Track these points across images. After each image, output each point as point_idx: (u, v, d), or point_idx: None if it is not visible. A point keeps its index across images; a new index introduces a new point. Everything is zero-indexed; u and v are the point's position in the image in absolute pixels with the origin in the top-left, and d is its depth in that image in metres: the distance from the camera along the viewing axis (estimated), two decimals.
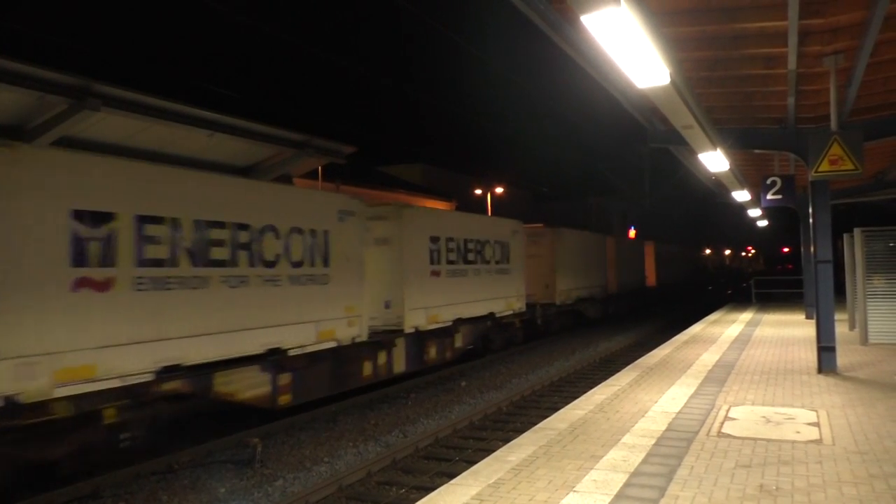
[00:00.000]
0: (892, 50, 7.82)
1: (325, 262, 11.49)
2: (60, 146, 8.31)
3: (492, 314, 17.85)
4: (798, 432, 6.71)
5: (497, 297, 18.16)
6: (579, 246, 25.49)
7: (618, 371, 11.19)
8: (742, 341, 14.45)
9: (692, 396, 8.60)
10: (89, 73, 8.20)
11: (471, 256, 16.83)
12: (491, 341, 18.52)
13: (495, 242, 18.34)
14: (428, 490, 6.61)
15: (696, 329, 17.77)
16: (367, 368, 12.56)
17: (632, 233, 57.45)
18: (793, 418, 7.31)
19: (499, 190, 40.05)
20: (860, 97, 9.31)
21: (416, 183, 39.02)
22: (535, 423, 8.10)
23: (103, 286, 7.76)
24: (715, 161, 11.60)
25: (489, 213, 38.20)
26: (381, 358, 13.04)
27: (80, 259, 7.53)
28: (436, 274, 15.11)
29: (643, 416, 7.57)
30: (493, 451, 6.77)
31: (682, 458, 5.89)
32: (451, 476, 6.79)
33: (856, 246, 12.90)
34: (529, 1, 6.28)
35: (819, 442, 6.35)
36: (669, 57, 6.20)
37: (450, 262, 15.80)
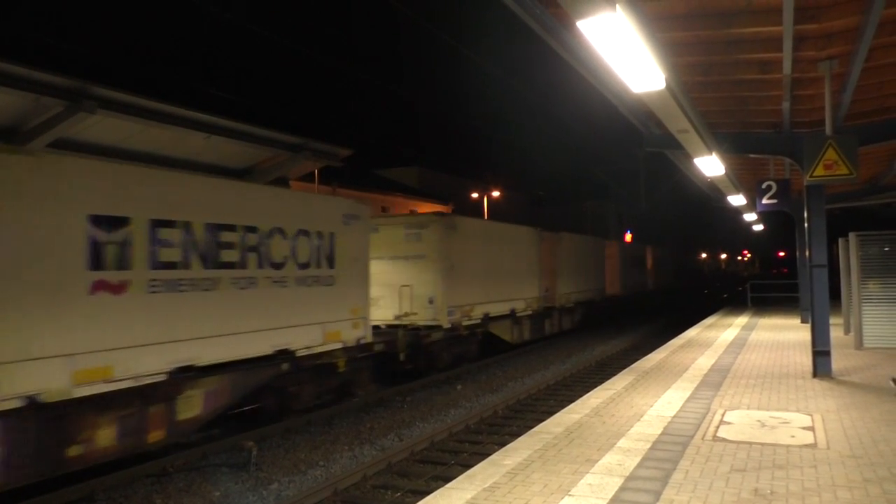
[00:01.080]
0: (886, 55, 7.86)
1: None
2: (59, 149, 8.30)
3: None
4: (793, 436, 6.73)
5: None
6: (489, 243, 18.59)
7: (614, 375, 11.21)
8: (737, 345, 14.48)
9: (688, 400, 8.61)
10: (85, 76, 8.20)
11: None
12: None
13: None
14: (423, 494, 6.60)
15: (691, 333, 17.80)
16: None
17: (628, 236, 57.53)
18: (788, 422, 7.32)
19: (495, 193, 40.07)
20: (855, 102, 9.36)
21: (412, 186, 39.06)
22: (531, 427, 8.11)
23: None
24: (710, 165, 11.64)
25: (485, 217, 38.26)
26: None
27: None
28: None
29: (639, 419, 7.58)
30: (489, 454, 6.77)
31: (678, 462, 5.89)
32: (447, 480, 6.79)
33: (851, 250, 12.95)
34: (526, 6, 6.30)
35: (814, 446, 6.36)
36: (664, 62, 6.22)
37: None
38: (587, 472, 5.66)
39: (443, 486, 5.53)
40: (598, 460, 6.01)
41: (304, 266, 10.95)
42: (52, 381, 7.12)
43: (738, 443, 6.53)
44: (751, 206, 20.12)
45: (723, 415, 7.75)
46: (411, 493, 7.85)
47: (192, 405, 8.93)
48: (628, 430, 7.12)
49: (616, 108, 10.12)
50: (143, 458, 8.83)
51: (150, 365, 8.21)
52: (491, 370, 17.15)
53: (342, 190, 24.73)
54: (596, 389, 9.57)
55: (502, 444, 8.80)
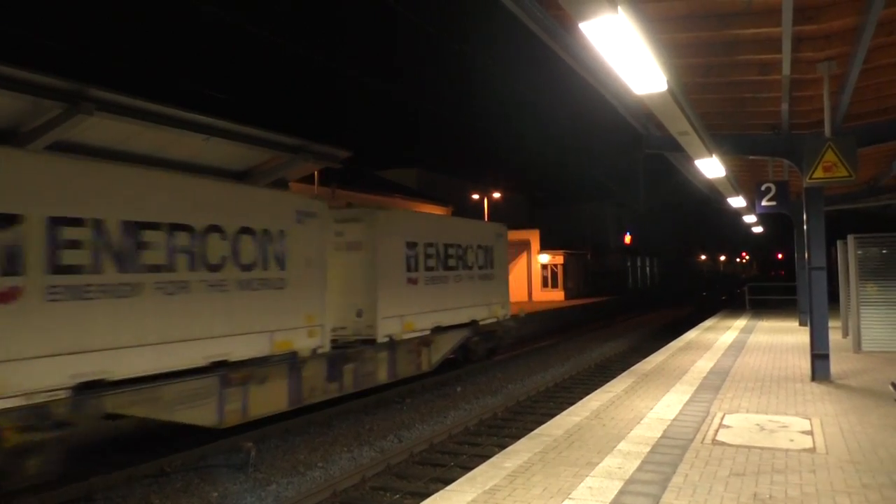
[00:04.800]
0: (884, 56, 7.86)
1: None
2: (58, 151, 8.29)
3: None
4: (792, 440, 6.71)
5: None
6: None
7: (613, 377, 11.19)
8: (736, 348, 14.47)
9: (687, 403, 8.60)
10: (83, 77, 8.18)
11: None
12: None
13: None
14: (423, 496, 6.59)
15: (691, 335, 17.80)
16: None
17: (627, 238, 57.55)
18: (786, 426, 7.31)
19: (496, 195, 40.02)
20: (853, 103, 9.36)
21: (411, 187, 39.04)
22: (530, 430, 8.08)
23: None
24: (710, 167, 11.64)
25: (486, 219, 38.26)
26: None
27: None
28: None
29: (638, 422, 7.57)
30: (489, 457, 6.75)
31: (677, 466, 5.88)
32: (447, 482, 6.77)
33: (849, 253, 12.94)
34: (527, 8, 6.29)
35: (812, 451, 6.35)
36: (666, 63, 6.22)
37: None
38: (587, 476, 5.64)
39: (443, 488, 5.51)
40: (598, 463, 5.99)
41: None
42: None
43: (738, 447, 6.51)
44: (750, 208, 20.13)
45: (722, 418, 7.74)
46: (410, 496, 7.83)
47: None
48: (628, 433, 7.10)
49: (616, 109, 10.11)
50: (140, 458, 8.79)
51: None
52: (491, 372, 17.15)
53: (342, 191, 24.70)
54: (596, 392, 9.56)
55: (502, 447, 8.78)
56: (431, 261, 15.31)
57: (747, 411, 8.07)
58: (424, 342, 14.80)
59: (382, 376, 13.31)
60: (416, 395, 14.08)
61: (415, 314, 14.41)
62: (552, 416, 9.07)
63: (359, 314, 13.18)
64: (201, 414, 9.14)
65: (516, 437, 8.28)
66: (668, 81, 6.43)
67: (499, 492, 5.29)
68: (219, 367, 9.40)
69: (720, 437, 6.86)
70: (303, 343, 11.07)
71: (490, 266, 18.20)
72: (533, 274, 42.19)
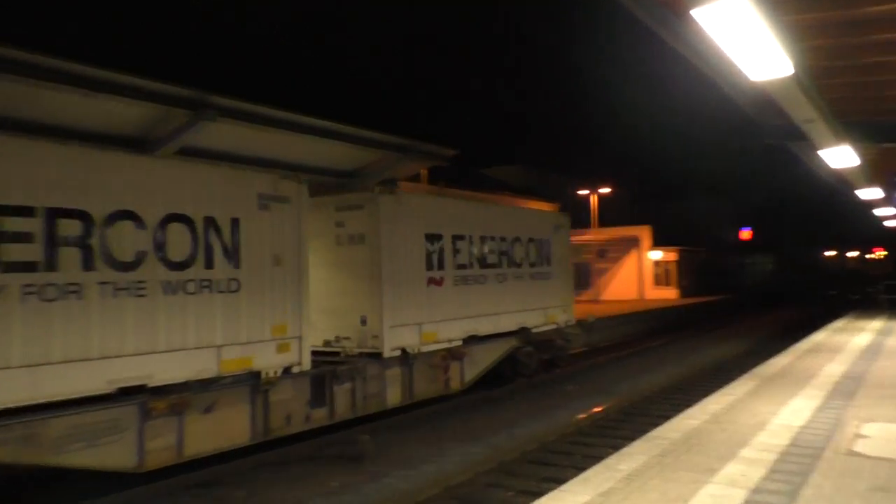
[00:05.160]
0: None
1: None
2: (183, 156, 8.86)
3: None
4: None
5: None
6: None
7: (733, 380, 10.66)
8: (872, 352, 13.41)
9: (817, 410, 8.05)
10: (206, 86, 8.68)
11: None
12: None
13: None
14: (535, 495, 6.53)
15: (818, 337, 16.67)
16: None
17: (745, 234, 54.66)
18: None
19: (603, 190, 39.06)
20: None
21: (515, 184, 38.90)
22: (645, 431, 7.84)
23: None
24: (839, 157, 10.85)
25: (594, 216, 37.52)
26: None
27: None
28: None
29: (762, 428, 7.16)
30: (602, 458, 6.60)
31: (808, 476, 5.51)
32: (559, 482, 6.67)
33: None
34: None
35: None
36: (790, 47, 5.84)
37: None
38: (708, 482, 5.39)
39: (556, 488, 5.44)
40: (719, 470, 5.72)
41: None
42: None
43: (878, 459, 6.02)
44: (887, 199, 18.59)
45: (858, 427, 7.18)
46: (523, 494, 7.79)
47: None
48: (751, 439, 6.73)
49: (732, 98, 9.62)
50: (265, 446, 9.24)
51: None
52: (603, 371, 16.80)
53: (449, 190, 24.91)
54: (714, 395, 9.14)
55: (615, 448, 8.56)
56: (463, 257, 12.74)
57: (887, 420, 7.45)
58: (454, 355, 12.28)
59: (394, 398, 11.13)
60: (524, 392, 14.00)
61: (439, 322, 11.94)
62: (667, 418, 8.75)
63: (363, 322, 10.98)
64: (109, 455, 7.32)
65: (630, 439, 8.04)
66: (793, 66, 6.04)
67: (613, 495, 5.16)
68: (137, 394, 7.59)
69: (857, 448, 6.36)
70: (268, 360, 8.98)
71: (546, 263, 15.39)
72: (644, 271, 40.97)
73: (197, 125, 8.60)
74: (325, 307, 11.04)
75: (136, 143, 8.71)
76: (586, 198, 38.94)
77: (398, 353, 11.11)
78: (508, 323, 13.85)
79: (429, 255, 11.94)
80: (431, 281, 11.92)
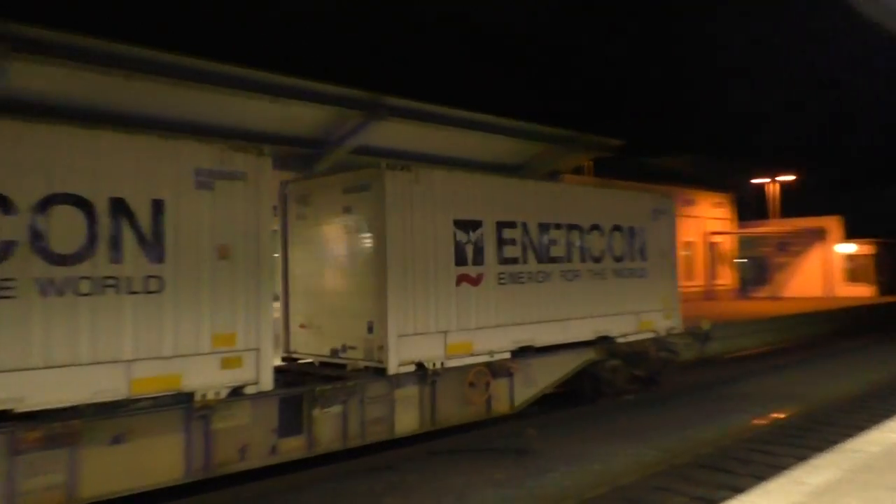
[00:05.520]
0: None
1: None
2: (358, 155, 9.37)
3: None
4: None
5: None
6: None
7: None
8: None
9: None
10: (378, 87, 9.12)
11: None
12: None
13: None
14: (710, 503, 6.21)
15: None
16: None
17: None
18: None
19: (786, 178, 36.00)
20: None
21: (686, 174, 37.01)
22: (834, 443, 7.17)
23: None
24: None
25: (773, 206, 34.81)
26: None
27: None
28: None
29: None
30: (785, 468, 6.11)
31: None
32: (736, 490, 6.29)
33: None
34: None
35: None
36: None
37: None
38: None
39: (733, 496, 5.13)
40: None
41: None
42: None
43: None
44: None
45: None
46: (698, 501, 7.44)
47: None
48: None
49: None
50: (433, 436, 9.54)
51: None
52: (785, 373, 15.59)
53: (616, 181, 24.22)
54: None
55: (799, 459, 7.91)
56: (513, 249, 10.35)
57: None
58: (498, 371, 10.12)
59: (408, 424, 9.14)
60: (697, 392, 13.33)
61: (474, 329, 9.78)
62: (861, 429, 7.92)
63: (370, 329, 9.06)
64: None
65: (817, 450, 7.41)
66: None
67: None
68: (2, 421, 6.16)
69: None
70: (206, 378, 7.21)
71: (640, 256, 12.52)
72: (833, 266, 37.34)
73: (370, 125, 9.06)
74: (333, 309, 9.64)
75: (314, 144, 9.35)
76: (766, 187, 36.19)
77: (411, 368, 9.05)
78: (581, 331, 11.28)
79: (460, 247, 9.68)
80: (464, 279, 9.71)
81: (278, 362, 9.30)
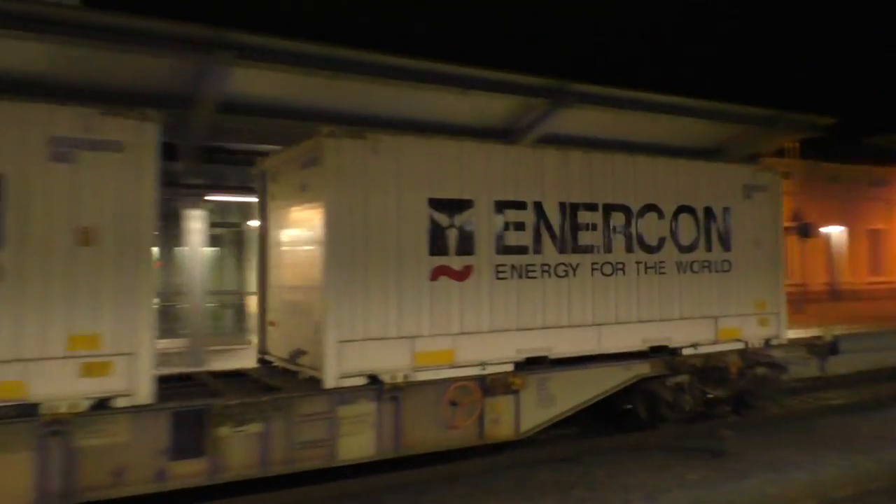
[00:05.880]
0: None
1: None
2: (543, 143, 9.32)
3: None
4: None
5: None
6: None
7: None
8: None
9: None
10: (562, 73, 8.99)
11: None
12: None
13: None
14: None
15: None
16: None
17: None
18: None
19: None
20: None
21: None
22: None
23: None
24: None
25: None
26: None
27: None
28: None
29: None
30: None
31: None
32: None
33: None
34: None
35: None
36: None
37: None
38: None
39: None
40: None
41: None
42: None
43: None
44: None
45: None
46: None
47: None
48: None
49: None
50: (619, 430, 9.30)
51: None
52: None
53: (826, 164, 21.91)
54: None
55: None
56: (518, 235, 8.31)
57: None
58: (496, 386, 8.06)
59: (358, 449, 7.31)
60: None
61: (457, 335, 7.87)
62: None
63: (317, 330, 7.41)
64: None
65: None
66: None
67: None
68: None
69: None
70: (60, 387, 6.02)
71: (721, 245, 9.83)
72: None
73: (555, 112, 8.97)
74: (293, 305, 8.27)
75: (502, 134, 9.44)
76: None
77: (361, 381, 7.30)
78: (624, 339, 9.02)
79: (438, 233, 7.82)
80: (442, 272, 7.84)
81: (252, 364, 8.63)
